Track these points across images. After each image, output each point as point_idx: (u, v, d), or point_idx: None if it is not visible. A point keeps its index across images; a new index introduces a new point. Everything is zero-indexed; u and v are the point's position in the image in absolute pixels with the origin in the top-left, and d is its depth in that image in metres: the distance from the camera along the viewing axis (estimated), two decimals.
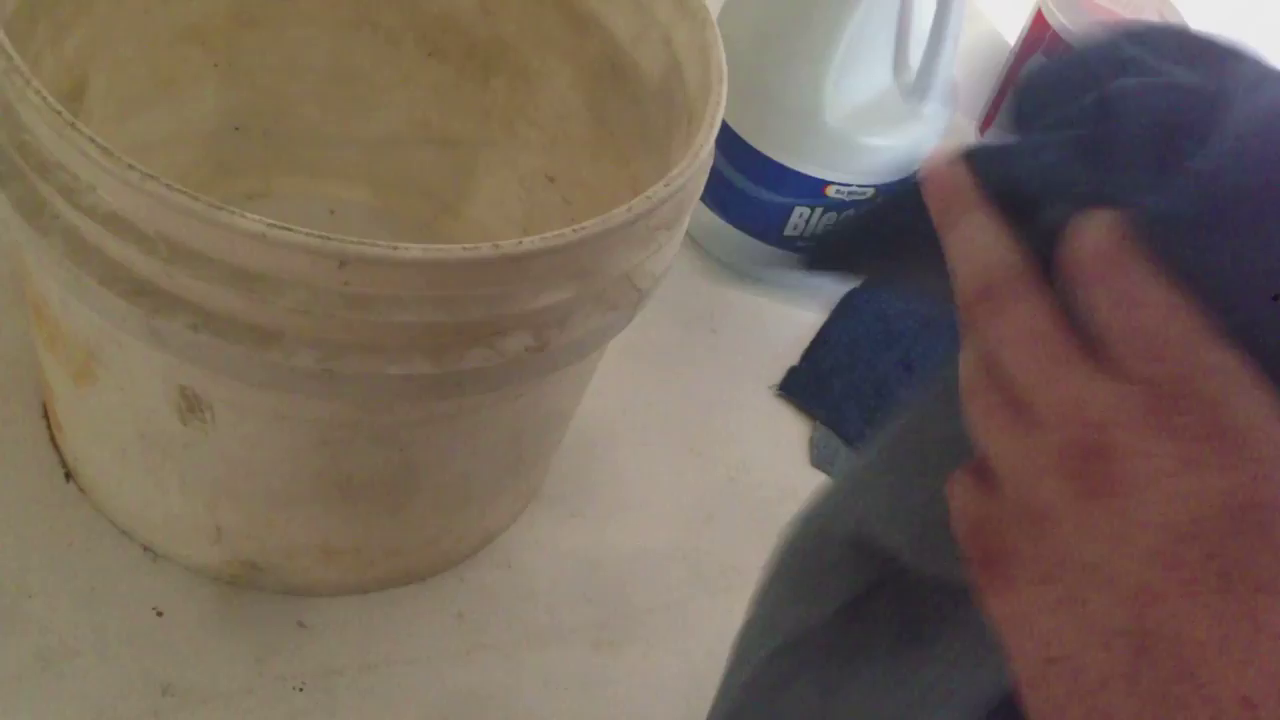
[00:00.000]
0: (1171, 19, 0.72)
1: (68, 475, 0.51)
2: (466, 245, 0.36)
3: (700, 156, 0.42)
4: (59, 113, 0.34)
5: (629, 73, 0.52)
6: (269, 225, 0.34)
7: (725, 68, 0.45)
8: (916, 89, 0.65)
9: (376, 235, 0.61)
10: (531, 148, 0.58)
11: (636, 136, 0.52)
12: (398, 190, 0.63)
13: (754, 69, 0.64)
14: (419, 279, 0.36)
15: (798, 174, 0.66)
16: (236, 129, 0.58)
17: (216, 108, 0.57)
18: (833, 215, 0.68)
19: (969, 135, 0.80)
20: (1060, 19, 0.70)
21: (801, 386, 0.67)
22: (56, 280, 0.38)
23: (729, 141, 0.66)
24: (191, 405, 0.41)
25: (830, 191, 0.67)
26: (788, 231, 0.69)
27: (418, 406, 0.42)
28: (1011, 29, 0.78)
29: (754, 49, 0.64)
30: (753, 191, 0.68)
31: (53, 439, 0.52)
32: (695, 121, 0.44)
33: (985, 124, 0.78)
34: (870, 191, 0.67)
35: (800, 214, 0.68)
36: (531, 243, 0.36)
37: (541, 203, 0.59)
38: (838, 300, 0.72)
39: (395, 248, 0.35)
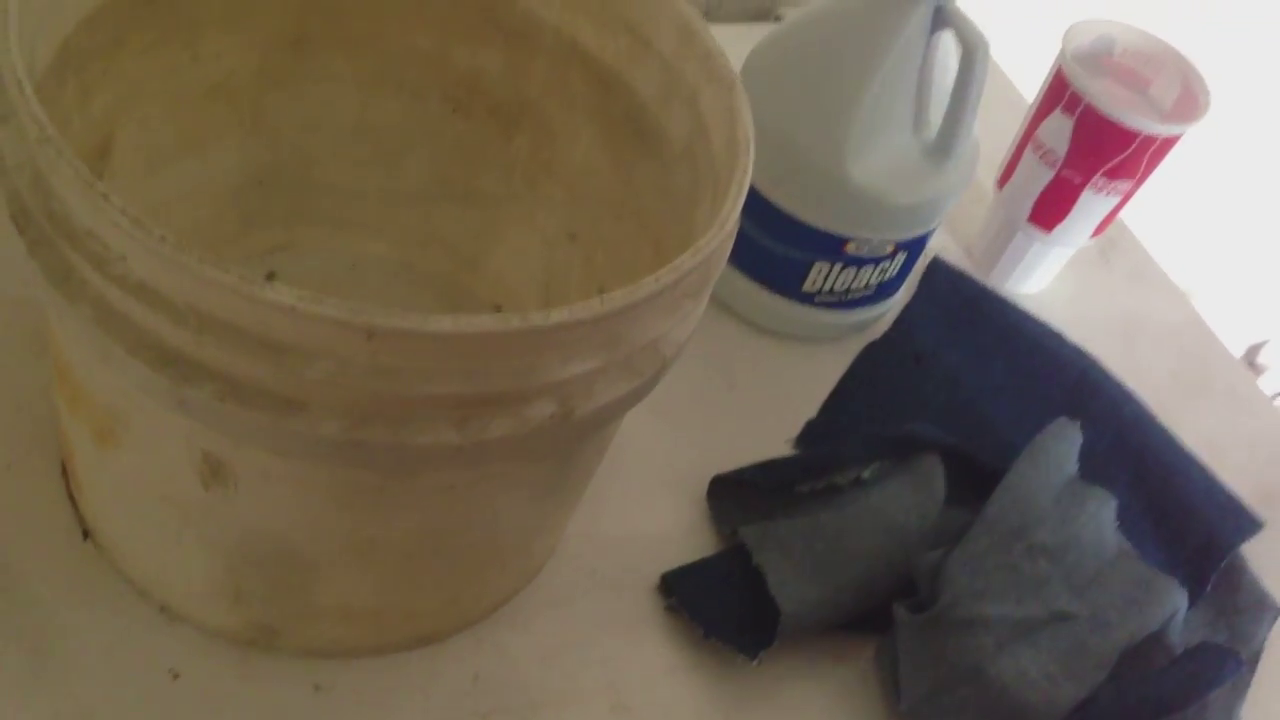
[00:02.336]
0: (1192, 78, 0.72)
1: (85, 534, 0.51)
2: (495, 316, 0.35)
3: (727, 226, 0.41)
4: (91, 184, 0.34)
5: (653, 134, 0.52)
6: (299, 298, 0.33)
7: (752, 134, 0.45)
8: (938, 147, 0.65)
9: (397, 290, 0.62)
10: (554, 205, 0.58)
11: (660, 197, 0.52)
12: (419, 245, 0.62)
13: (775, 125, 0.64)
14: (447, 350, 0.36)
15: (818, 230, 0.66)
16: (260, 183, 0.58)
17: (241, 163, 0.57)
18: (852, 271, 0.68)
19: (988, 192, 0.80)
20: (1081, 77, 0.70)
21: (819, 440, 0.67)
22: (82, 347, 0.38)
23: (749, 196, 0.65)
24: (214, 471, 0.41)
25: (850, 248, 0.67)
26: (806, 287, 0.69)
27: (442, 474, 0.41)
28: (1031, 87, 0.78)
29: (775, 105, 0.64)
30: (772, 247, 0.68)
31: (71, 497, 0.52)
32: (721, 188, 0.44)
33: (1003, 180, 0.78)
34: (889, 247, 0.67)
35: (820, 270, 0.68)
36: (559, 314, 0.36)
37: (563, 260, 0.59)
38: (856, 354, 0.72)
39: (424, 319, 0.34)
